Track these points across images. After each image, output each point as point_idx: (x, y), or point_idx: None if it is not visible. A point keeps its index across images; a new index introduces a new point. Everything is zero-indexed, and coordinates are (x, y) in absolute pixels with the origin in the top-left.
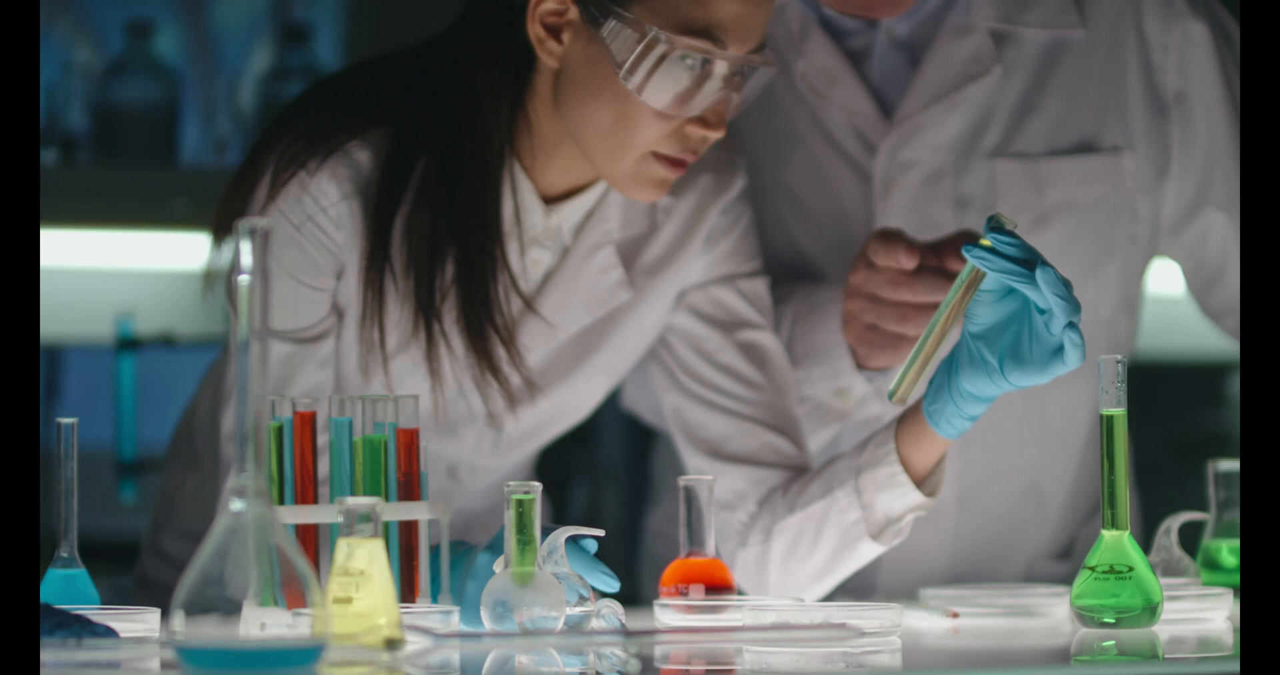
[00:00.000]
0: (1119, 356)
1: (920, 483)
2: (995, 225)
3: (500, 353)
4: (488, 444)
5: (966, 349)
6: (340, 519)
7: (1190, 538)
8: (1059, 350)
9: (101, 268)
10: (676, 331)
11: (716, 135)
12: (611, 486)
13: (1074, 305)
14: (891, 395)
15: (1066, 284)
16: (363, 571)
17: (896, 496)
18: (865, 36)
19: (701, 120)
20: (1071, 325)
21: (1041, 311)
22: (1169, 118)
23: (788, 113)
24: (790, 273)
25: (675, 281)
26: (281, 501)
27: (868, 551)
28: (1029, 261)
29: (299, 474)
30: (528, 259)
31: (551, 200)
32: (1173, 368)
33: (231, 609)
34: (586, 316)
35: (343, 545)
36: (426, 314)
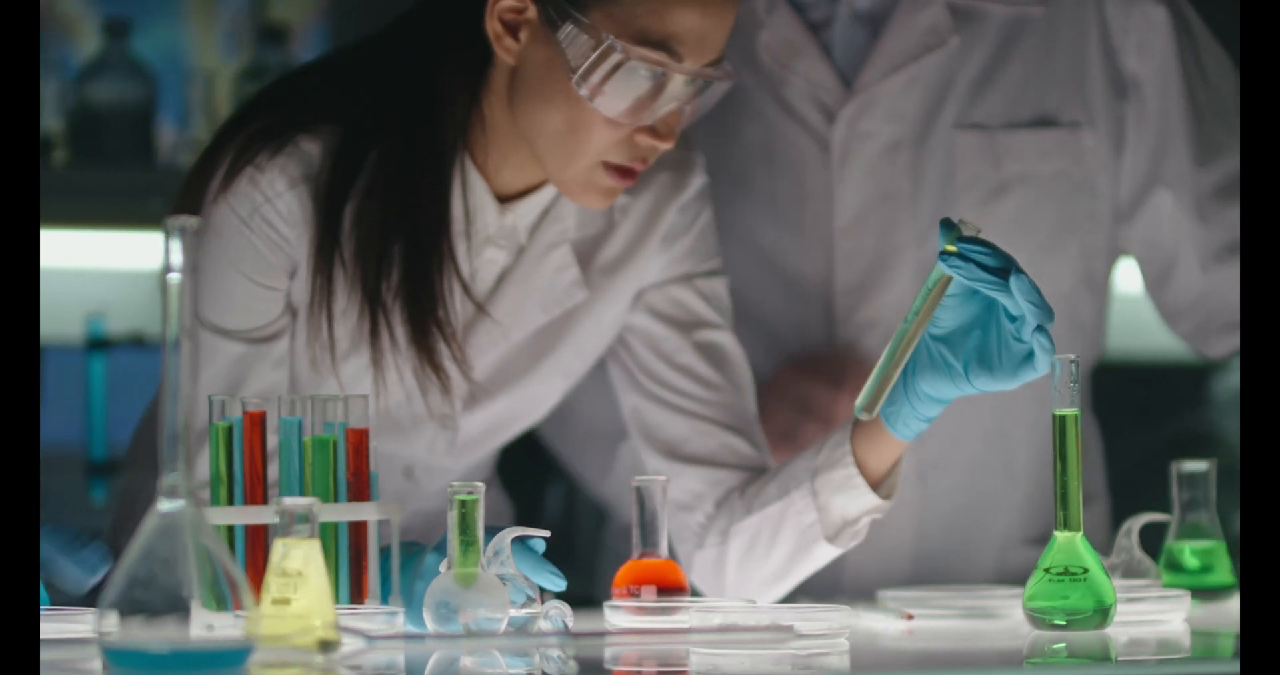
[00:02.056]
0: (1072, 356)
1: (876, 485)
2: (960, 235)
3: (443, 348)
4: (443, 444)
5: (926, 351)
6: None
7: (1158, 539)
8: (1029, 356)
9: (72, 267)
10: (635, 331)
11: (666, 146)
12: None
13: (1047, 312)
14: (860, 408)
15: (1038, 290)
16: (300, 572)
17: (853, 498)
18: (827, 9)
19: (652, 130)
20: (1042, 329)
21: (1013, 319)
22: (1127, 99)
23: (744, 85)
24: (746, 253)
25: (633, 281)
26: (230, 502)
27: (824, 553)
28: (1004, 270)
29: (248, 475)
30: (483, 258)
31: (506, 199)
32: (1155, 367)
33: (160, 609)
34: (542, 316)
35: (279, 545)
36: (373, 305)
